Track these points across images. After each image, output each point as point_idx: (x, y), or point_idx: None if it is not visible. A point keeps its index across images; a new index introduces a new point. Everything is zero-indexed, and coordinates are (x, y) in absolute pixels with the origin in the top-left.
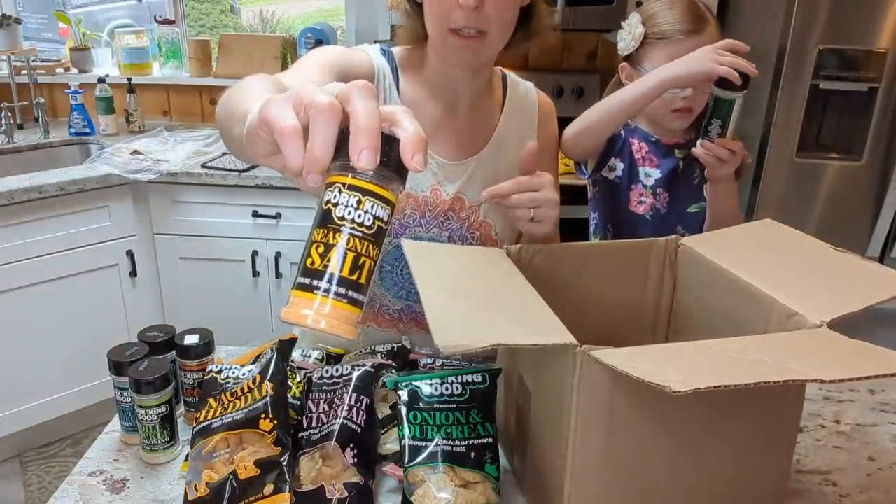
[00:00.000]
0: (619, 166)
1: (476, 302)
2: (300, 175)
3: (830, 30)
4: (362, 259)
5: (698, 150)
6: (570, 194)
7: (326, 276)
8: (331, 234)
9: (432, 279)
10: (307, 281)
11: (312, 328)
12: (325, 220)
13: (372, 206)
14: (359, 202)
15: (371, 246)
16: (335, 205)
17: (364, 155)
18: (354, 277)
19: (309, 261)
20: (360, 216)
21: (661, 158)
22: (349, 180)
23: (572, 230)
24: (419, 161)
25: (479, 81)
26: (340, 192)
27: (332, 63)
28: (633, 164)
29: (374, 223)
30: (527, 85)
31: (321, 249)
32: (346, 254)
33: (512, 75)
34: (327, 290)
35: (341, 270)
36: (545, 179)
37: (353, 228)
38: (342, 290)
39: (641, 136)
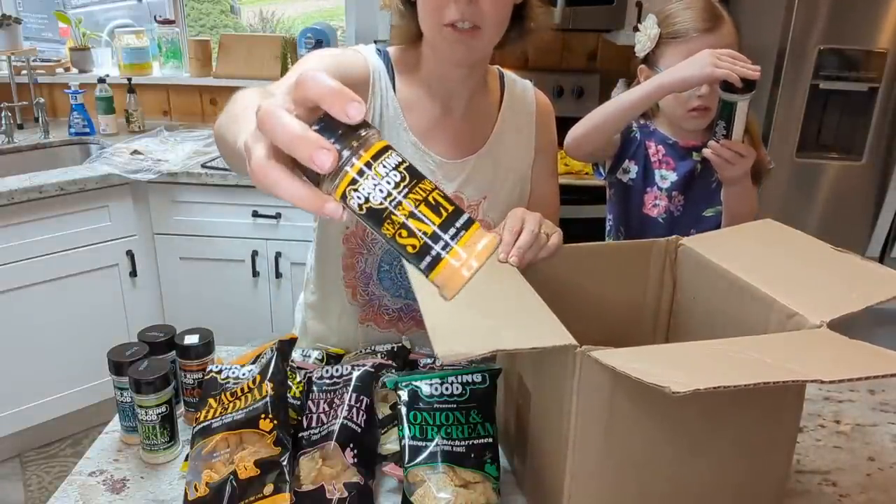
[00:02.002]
0: (634, 169)
1: (475, 305)
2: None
3: (830, 30)
4: (431, 198)
5: (706, 151)
6: (573, 194)
7: (433, 238)
8: (394, 216)
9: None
10: (427, 260)
11: (473, 275)
12: (378, 215)
13: (384, 166)
14: (375, 176)
15: (420, 184)
16: (367, 199)
17: (318, 159)
18: (445, 214)
19: (409, 248)
20: (388, 181)
21: (678, 161)
22: (347, 179)
23: (577, 230)
24: (354, 110)
25: (475, 79)
26: (355, 190)
27: (327, 70)
28: (649, 166)
29: (401, 172)
30: (524, 83)
31: (404, 232)
32: (419, 211)
33: (509, 74)
34: (446, 244)
35: (434, 222)
36: (516, 218)
37: (399, 193)
38: (452, 231)
39: (659, 139)
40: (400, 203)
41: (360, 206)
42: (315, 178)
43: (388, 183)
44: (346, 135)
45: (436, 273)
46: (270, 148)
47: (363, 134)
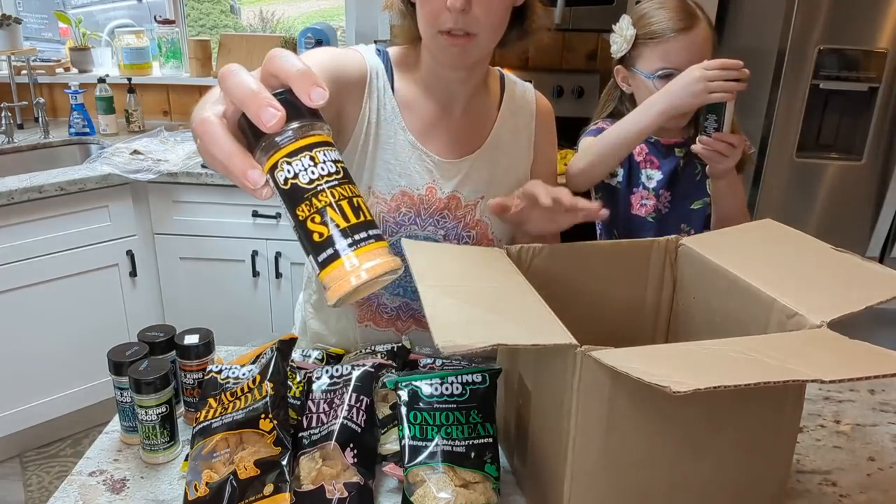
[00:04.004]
0: (620, 172)
1: (476, 302)
2: (247, 184)
3: (830, 30)
4: (355, 200)
5: (697, 146)
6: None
7: (339, 235)
8: (314, 200)
9: (432, 278)
10: (327, 253)
11: (361, 285)
12: (299, 194)
13: (324, 154)
14: (312, 159)
15: (349, 185)
16: (295, 175)
17: (264, 115)
18: (362, 219)
19: (315, 236)
20: (323, 168)
21: (661, 159)
22: (284, 151)
23: (577, 230)
24: (318, 94)
25: (474, 81)
26: (289, 163)
27: (323, 67)
28: (634, 168)
29: (337, 166)
30: (525, 85)
31: (317, 218)
32: (340, 205)
33: (510, 75)
34: (349, 245)
35: (348, 221)
36: (538, 188)
37: (327, 182)
38: (361, 235)
39: None
40: (325, 190)
41: (286, 179)
42: (252, 149)
43: (322, 169)
44: (298, 114)
45: (327, 271)
46: (222, 112)
47: (315, 122)
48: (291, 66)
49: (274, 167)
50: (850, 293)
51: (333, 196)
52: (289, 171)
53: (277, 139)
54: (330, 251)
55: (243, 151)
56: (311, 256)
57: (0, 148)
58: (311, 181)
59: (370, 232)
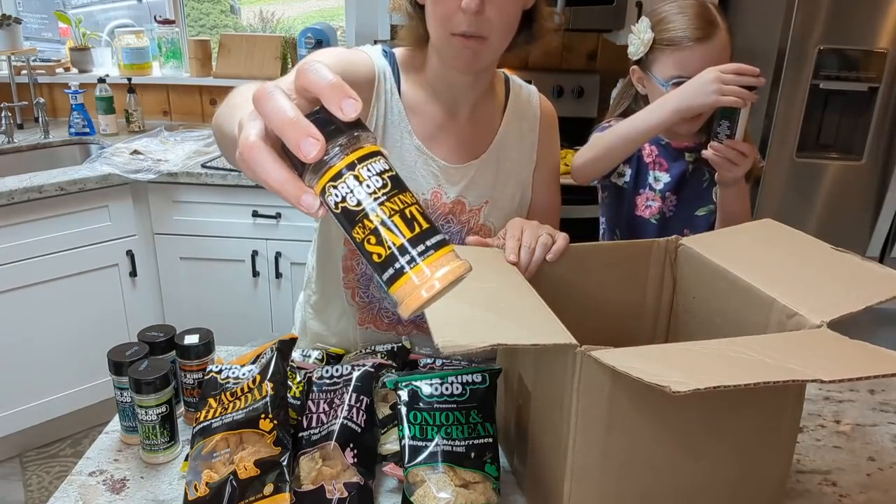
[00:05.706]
0: (627, 172)
1: (476, 302)
2: (302, 208)
3: (830, 30)
4: (408, 211)
5: (708, 152)
6: (574, 194)
7: (399, 251)
8: (367, 221)
9: None
10: (391, 271)
11: (434, 297)
12: (351, 216)
13: (368, 169)
14: (357, 178)
15: (400, 195)
16: (344, 199)
17: (304, 147)
18: (418, 229)
19: (375, 256)
20: (369, 186)
21: (671, 162)
22: (329, 174)
23: (578, 230)
24: (349, 106)
25: (481, 84)
26: (334, 187)
27: (331, 68)
28: (642, 168)
29: (384, 179)
30: (529, 89)
31: (373, 238)
32: (392, 221)
33: (515, 78)
34: (412, 259)
35: (404, 235)
36: (516, 225)
37: (376, 199)
38: (422, 247)
39: (652, 140)
40: (375, 209)
41: (336, 204)
42: (300, 169)
43: (368, 187)
44: (338, 131)
45: (396, 287)
46: (264, 129)
47: (356, 134)
48: (321, 80)
49: (323, 191)
50: (850, 293)
51: (384, 213)
52: (336, 196)
53: (321, 161)
54: (394, 268)
55: (294, 178)
56: (376, 276)
57: (0, 148)
58: (359, 203)
59: (432, 241)
